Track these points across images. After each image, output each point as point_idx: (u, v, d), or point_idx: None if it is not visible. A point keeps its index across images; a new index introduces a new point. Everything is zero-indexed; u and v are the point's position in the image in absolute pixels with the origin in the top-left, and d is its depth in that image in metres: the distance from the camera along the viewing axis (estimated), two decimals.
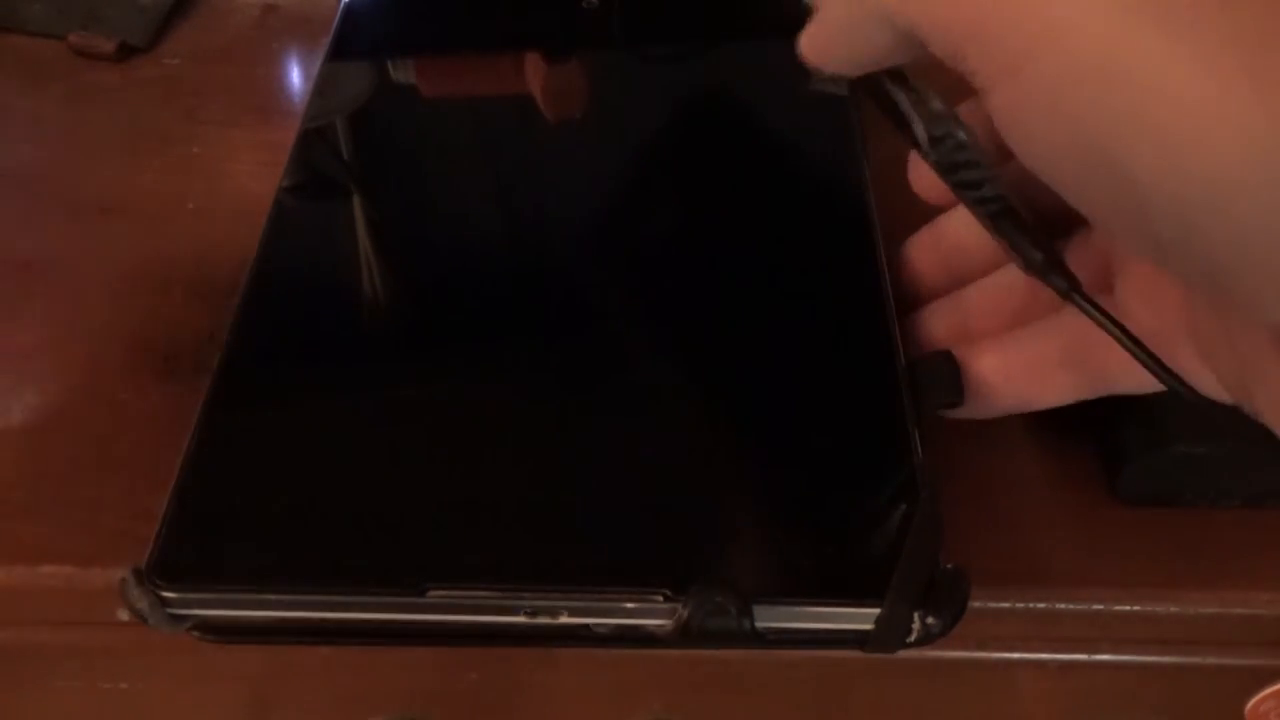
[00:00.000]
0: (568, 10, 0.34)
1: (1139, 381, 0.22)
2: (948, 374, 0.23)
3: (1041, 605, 0.24)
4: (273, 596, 0.20)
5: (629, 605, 0.20)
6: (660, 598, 0.20)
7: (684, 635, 0.20)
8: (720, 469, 0.23)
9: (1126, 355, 0.21)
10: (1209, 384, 0.21)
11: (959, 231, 0.26)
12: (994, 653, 0.26)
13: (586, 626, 0.20)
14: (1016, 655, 0.26)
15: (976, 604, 0.23)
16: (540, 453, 0.23)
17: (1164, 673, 0.26)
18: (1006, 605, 0.23)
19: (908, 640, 0.20)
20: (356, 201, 0.29)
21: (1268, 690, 0.27)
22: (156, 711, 0.30)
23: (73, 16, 0.37)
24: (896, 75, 0.21)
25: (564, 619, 0.20)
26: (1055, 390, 0.23)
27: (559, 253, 0.28)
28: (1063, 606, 0.24)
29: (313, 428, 0.23)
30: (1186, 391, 0.20)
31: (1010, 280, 0.24)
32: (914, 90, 0.21)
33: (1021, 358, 0.23)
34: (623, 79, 0.33)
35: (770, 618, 0.20)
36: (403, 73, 0.33)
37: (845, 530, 0.21)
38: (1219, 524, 0.24)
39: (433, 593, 0.20)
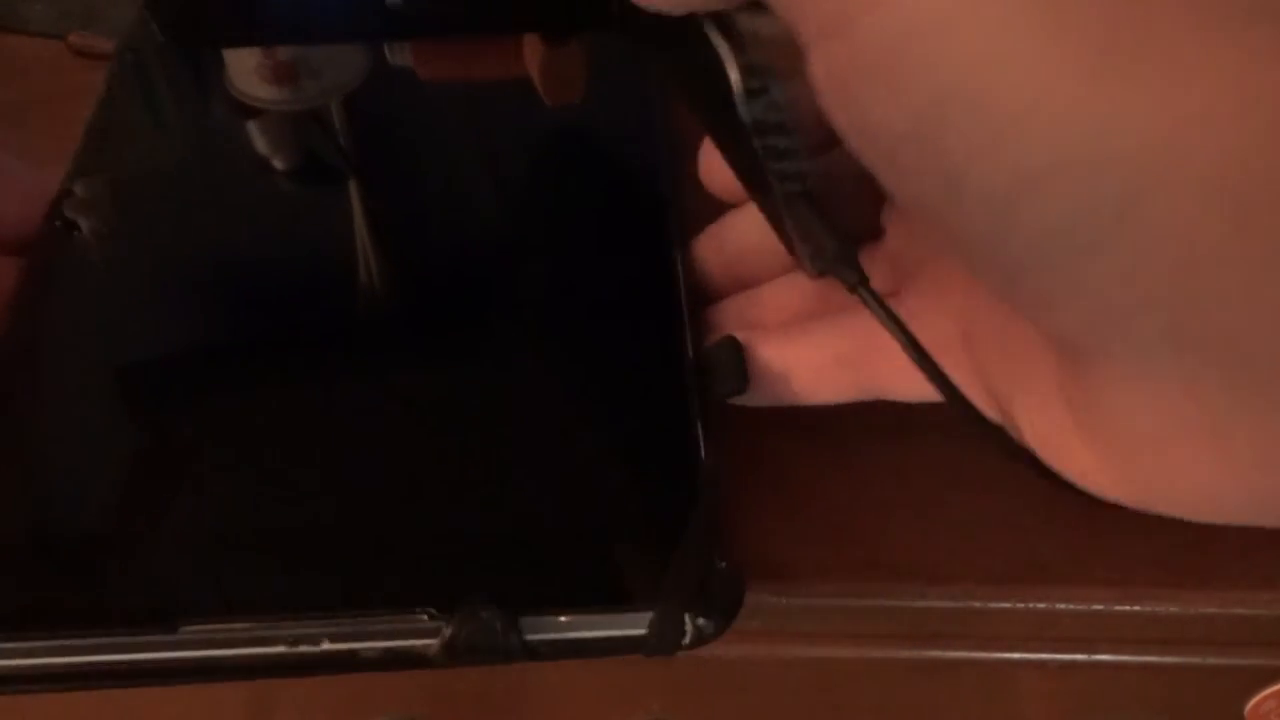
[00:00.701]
0: (376, 8, 0.33)
1: (910, 390, 0.22)
2: (732, 360, 0.23)
3: (1041, 605, 0.23)
4: (7, 645, 0.19)
5: (392, 627, 0.20)
6: (425, 618, 0.19)
7: (450, 654, 0.19)
8: (490, 478, 0.22)
9: (900, 364, 0.21)
10: (978, 400, 0.21)
11: (743, 234, 0.25)
12: (994, 653, 0.26)
13: (353, 652, 0.20)
14: (1016, 655, 0.26)
15: (976, 604, 0.23)
16: (295, 474, 0.22)
17: (1164, 673, 0.26)
18: (1006, 605, 0.23)
19: (682, 644, 0.20)
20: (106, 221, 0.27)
21: (1268, 690, 0.27)
22: (156, 711, 0.30)
23: (73, 16, 0.37)
24: (720, 19, 0.20)
25: (327, 646, 0.20)
26: (830, 388, 0.23)
27: (311, 260, 0.27)
28: (1063, 606, 0.23)
29: (56, 460, 0.23)
30: (959, 404, 0.20)
31: (803, 280, 0.24)
32: (737, 37, 0.20)
33: (801, 352, 0.23)
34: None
35: (540, 629, 0.20)
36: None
37: (616, 534, 0.21)
38: (1219, 524, 0.24)
39: (185, 628, 0.19)
